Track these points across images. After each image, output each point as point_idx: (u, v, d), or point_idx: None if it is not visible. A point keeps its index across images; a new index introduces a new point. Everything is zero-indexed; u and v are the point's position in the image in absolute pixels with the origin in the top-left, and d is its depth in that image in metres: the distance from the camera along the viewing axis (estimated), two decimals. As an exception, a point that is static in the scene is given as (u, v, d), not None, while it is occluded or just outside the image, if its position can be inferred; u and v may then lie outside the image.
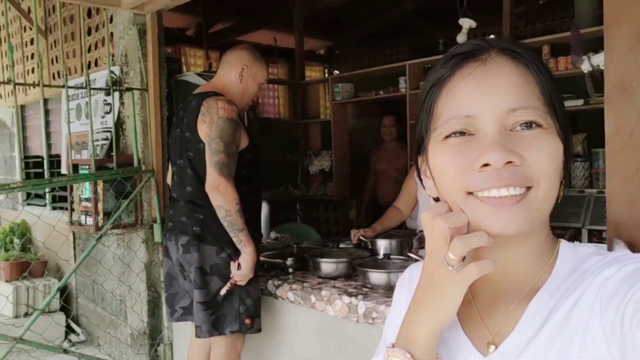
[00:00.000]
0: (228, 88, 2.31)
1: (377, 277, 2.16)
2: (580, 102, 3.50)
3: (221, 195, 2.10)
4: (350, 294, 2.10)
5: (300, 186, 5.65)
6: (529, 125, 0.61)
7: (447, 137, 0.64)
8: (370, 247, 2.59)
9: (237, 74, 2.31)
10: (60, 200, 4.44)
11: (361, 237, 2.61)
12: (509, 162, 0.59)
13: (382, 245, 2.56)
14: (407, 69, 4.34)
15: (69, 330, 4.01)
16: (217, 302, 2.21)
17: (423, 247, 2.27)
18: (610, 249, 1.45)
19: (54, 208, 4.50)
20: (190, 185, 2.26)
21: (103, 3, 2.97)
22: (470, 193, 0.62)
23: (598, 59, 2.08)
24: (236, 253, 2.20)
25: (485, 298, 0.70)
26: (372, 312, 1.98)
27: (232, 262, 2.20)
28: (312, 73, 7.89)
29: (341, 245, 2.73)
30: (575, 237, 3.17)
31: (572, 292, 0.62)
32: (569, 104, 3.52)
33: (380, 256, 2.44)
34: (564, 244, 0.68)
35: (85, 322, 4.01)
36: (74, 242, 3.99)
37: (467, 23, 3.09)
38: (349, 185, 5.24)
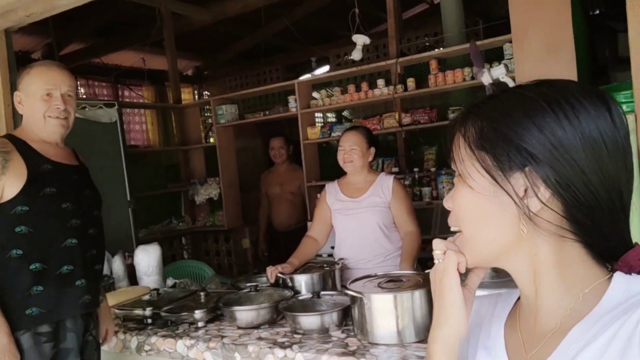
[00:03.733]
0: (25, 121, 1.94)
1: (309, 320, 1.92)
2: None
3: None
4: (282, 345, 1.83)
5: (185, 218, 5.18)
6: None
7: None
8: (290, 284, 2.34)
9: (17, 104, 1.93)
10: None
11: (279, 274, 2.35)
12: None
13: (304, 280, 2.33)
14: (296, 87, 4.19)
15: None
16: None
17: (355, 280, 2.08)
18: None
19: None
20: None
21: None
22: None
23: (498, 72, 2.09)
24: None
25: (528, 324, 0.72)
26: (314, 364, 1.74)
27: None
28: (182, 95, 7.44)
29: (257, 286, 2.42)
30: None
31: (612, 324, 0.60)
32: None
33: (306, 294, 2.20)
34: (618, 275, 0.66)
35: None
36: None
37: (360, 39, 3.02)
38: (240, 212, 4.93)
